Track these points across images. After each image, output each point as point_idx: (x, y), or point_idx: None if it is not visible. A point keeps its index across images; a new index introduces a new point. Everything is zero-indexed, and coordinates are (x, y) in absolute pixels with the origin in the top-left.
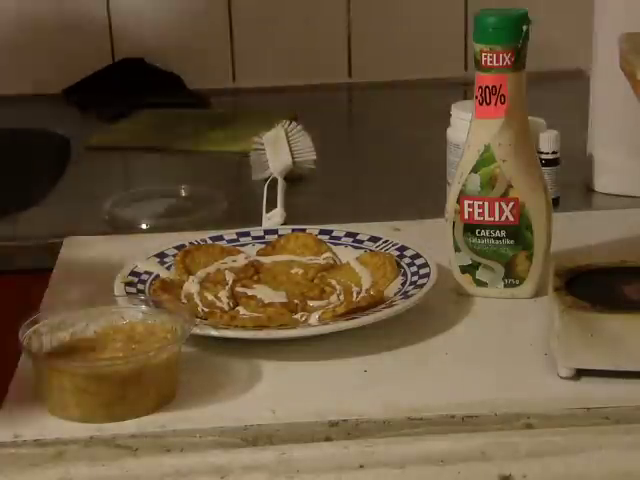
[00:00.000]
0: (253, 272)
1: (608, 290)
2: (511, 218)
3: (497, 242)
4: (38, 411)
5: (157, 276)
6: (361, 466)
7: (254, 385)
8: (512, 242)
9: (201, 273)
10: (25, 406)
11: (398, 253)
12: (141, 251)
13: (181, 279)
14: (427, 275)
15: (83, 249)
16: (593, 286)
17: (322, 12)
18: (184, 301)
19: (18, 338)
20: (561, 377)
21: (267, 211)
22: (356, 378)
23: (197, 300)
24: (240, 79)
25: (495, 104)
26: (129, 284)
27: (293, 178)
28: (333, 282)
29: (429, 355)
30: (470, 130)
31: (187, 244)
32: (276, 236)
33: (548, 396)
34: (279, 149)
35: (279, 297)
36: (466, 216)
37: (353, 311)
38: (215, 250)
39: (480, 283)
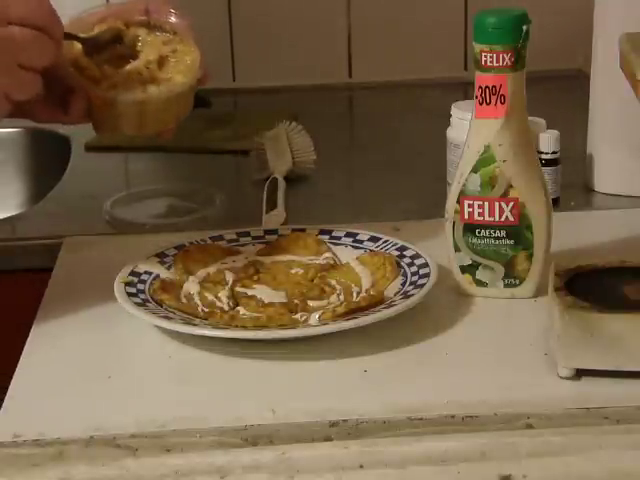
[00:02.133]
0: (253, 272)
1: (608, 290)
2: (511, 218)
3: (497, 242)
4: (38, 411)
5: (157, 276)
6: (361, 466)
7: (254, 385)
8: (512, 242)
9: (201, 273)
10: (25, 406)
11: (398, 253)
12: (141, 251)
13: (181, 279)
14: (427, 275)
15: (83, 249)
16: (593, 286)
17: (322, 12)
18: (184, 301)
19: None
20: (561, 377)
21: (267, 211)
22: (356, 378)
23: (197, 300)
24: (240, 79)
25: (495, 104)
26: (129, 284)
27: (293, 178)
28: (333, 282)
29: (429, 355)
30: (470, 130)
31: (187, 244)
32: (276, 236)
33: (548, 396)
34: (279, 149)
35: (279, 297)
36: (466, 216)
37: (353, 311)
38: (215, 250)
39: (480, 283)
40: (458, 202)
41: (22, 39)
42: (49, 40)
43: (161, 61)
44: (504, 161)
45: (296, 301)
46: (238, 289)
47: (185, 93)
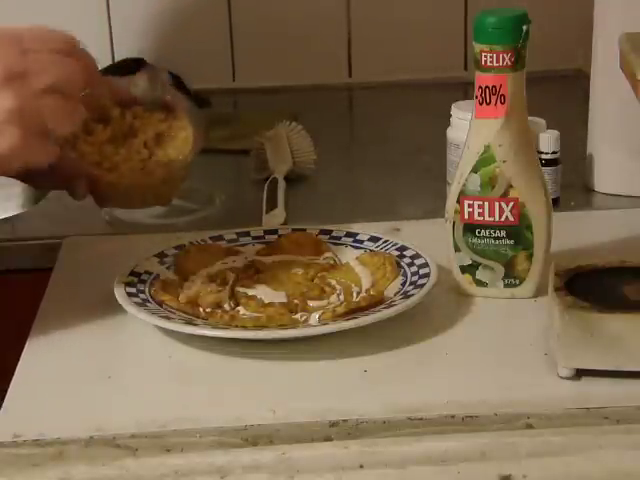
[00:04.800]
0: (253, 272)
1: (608, 290)
2: (511, 218)
3: (497, 242)
4: (38, 411)
5: (157, 276)
6: (361, 466)
7: (254, 385)
8: (512, 242)
9: (201, 273)
10: (25, 406)
11: (398, 253)
12: (141, 251)
13: (181, 279)
14: (427, 275)
15: (83, 249)
16: (593, 286)
17: (322, 12)
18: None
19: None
20: (561, 377)
21: (267, 211)
22: (356, 378)
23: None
24: (240, 79)
25: (495, 104)
26: (129, 284)
27: (293, 178)
28: (333, 282)
29: (429, 355)
30: (470, 130)
31: (187, 244)
32: (276, 236)
33: (548, 396)
34: (279, 149)
35: (279, 297)
36: (466, 216)
37: (353, 311)
38: (215, 250)
39: (480, 283)
40: (458, 202)
41: (50, 108)
42: (75, 108)
43: (158, 138)
44: (504, 161)
45: (296, 301)
46: (238, 289)
47: (182, 168)
